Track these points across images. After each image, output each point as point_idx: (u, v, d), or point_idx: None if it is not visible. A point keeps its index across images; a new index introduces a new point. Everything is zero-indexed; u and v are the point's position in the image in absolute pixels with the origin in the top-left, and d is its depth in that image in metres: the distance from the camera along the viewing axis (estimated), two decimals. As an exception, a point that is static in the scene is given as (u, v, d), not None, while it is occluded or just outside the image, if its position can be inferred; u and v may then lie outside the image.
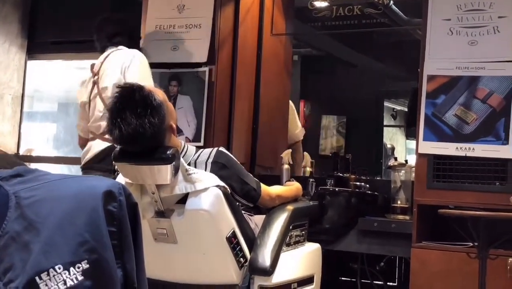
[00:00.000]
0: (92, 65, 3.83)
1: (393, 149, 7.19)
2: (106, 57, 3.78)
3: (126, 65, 3.65)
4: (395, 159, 4.57)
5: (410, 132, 8.41)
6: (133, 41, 3.97)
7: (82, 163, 3.74)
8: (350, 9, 4.58)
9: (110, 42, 3.86)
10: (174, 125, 2.57)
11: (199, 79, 4.34)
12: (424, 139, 3.65)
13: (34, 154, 5.46)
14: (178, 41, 4.39)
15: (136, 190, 2.58)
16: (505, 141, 3.47)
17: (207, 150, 2.72)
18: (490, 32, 3.57)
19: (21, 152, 5.38)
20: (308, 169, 4.73)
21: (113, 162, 2.58)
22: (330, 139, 7.62)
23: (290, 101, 5.13)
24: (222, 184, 2.56)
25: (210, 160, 2.65)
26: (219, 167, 2.64)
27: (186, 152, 2.67)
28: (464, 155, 3.55)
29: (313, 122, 7.26)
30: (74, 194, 1.32)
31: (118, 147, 2.52)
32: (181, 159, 2.53)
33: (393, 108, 8.33)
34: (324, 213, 3.88)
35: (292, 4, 5.05)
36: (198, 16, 4.37)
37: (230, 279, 2.66)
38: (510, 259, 3.37)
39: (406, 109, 8.50)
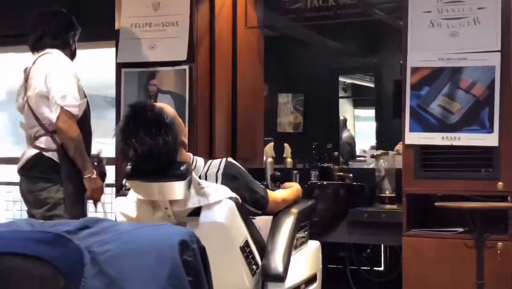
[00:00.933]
0: (25, 69, 3.72)
1: (345, 120, 7.37)
2: (34, 62, 3.67)
3: (47, 73, 3.54)
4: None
5: (358, 102, 8.73)
6: (59, 41, 3.73)
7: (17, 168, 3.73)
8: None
9: (36, 45, 3.73)
10: (185, 141, 2.58)
11: (179, 77, 4.31)
12: (410, 130, 3.73)
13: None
14: (155, 39, 4.35)
15: (148, 205, 2.58)
16: (490, 130, 3.57)
17: (216, 161, 2.73)
18: (470, 23, 3.65)
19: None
20: (289, 160, 4.79)
21: (125, 180, 2.57)
22: (288, 117, 7.72)
23: None
24: (234, 195, 2.58)
25: (220, 172, 2.67)
26: (229, 178, 2.66)
27: (195, 165, 2.68)
28: (450, 144, 3.65)
29: (270, 101, 7.32)
30: (151, 246, 1.33)
31: (129, 165, 2.51)
32: (193, 173, 2.53)
33: (344, 82, 8.50)
34: (314, 207, 3.93)
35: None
36: (174, 14, 4.33)
37: (243, 286, 2.69)
38: (500, 243, 3.49)
39: (356, 82, 8.75)
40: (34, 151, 3.57)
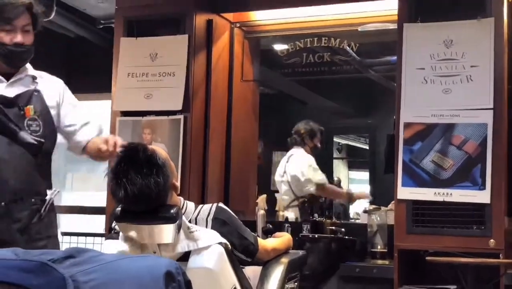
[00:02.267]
0: None
1: (339, 180, 7.38)
2: None
3: None
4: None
5: (351, 164, 8.77)
6: None
7: None
8: (320, 56, 4.68)
9: None
10: (177, 184, 2.57)
11: (173, 127, 4.34)
12: (403, 185, 3.73)
13: None
14: (151, 89, 4.39)
15: (137, 248, 2.55)
16: (482, 187, 3.58)
17: (207, 206, 2.71)
18: (463, 81, 3.69)
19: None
20: (281, 213, 4.77)
21: (114, 222, 2.55)
22: (281, 175, 7.72)
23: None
24: (224, 240, 2.56)
25: (211, 217, 2.65)
26: (220, 224, 2.64)
27: (186, 209, 2.66)
28: (442, 200, 3.65)
29: (264, 158, 7.35)
30: (135, 276, 1.31)
31: (118, 207, 2.49)
32: (183, 217, 2.52)
33: (339, 143, 8.57)
34: (305, 260, 3.90)
35: (259, 50, 5.14)
36: (171, 64, 4.38)
37: (230, 335, 2.64)
38: (490, 301, 3.45)
39: (350, 143, 8.82)
40: None
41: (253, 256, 2.78)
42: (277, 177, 5.36)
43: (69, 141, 3.03)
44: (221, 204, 2.75)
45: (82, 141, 2.99)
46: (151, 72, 4.42)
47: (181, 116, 4.31)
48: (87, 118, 3.04)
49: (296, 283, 3.06)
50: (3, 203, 2.72)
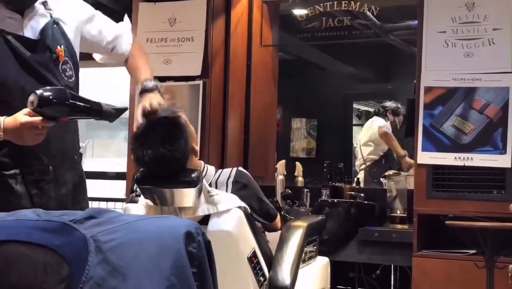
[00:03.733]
0: None
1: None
2: None
3: None
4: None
5: None
6: None
7: None
8: (340, 20, 4.63)
9: None
10: (196, 147, 2.58)
11: (192, 92, 4.33)
12: (423, 150, 3.71)
13: None
14: (170, 54, 4.38)
15: (156, 212, 2.57)
16: (503, 151, 3.55)
17: (227, 170, 2.73)
18: (485, 44, 3.64)
19: None
20: (301, 179, 4.78)
21: (136, 185, 2.57)
22: (301, 142, 7.72)
23: None
24: (243, 204, 2.57)
25: (231, 180, 2.66)
26: (239, 187, 2.65)
27: (206, 173, 2.67)
28: (462, 164, 3.63)
29: (283, 124, 7.35)
30: (155, 236, 1.32)
31: (140, 170, 2.50)
32: (204, 181, 2.53)
33: (358, 109, 8.52)
34: (324, 224, 3.91)
35: (278, 14, 5.09)
36: (190, 29, 4.37)
37: (250, 298, 2.67)
38: (511, 265, 3.44)
39: (370, 110, 8.78)
40: None
41: (273, 220, 2.80)
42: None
43: (109, 57, 2.70)
44: (241, 168, 2.76)
45: (125, 53, 2.65)
46: (170, 37, 4.41)
47: (200, 82, 4.31)
48: (116, 28, 2.67)
49: (315, 247, 3.08)
50: (50, 167, 2.37)
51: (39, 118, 2.11)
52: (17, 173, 2.29)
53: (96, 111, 2.25)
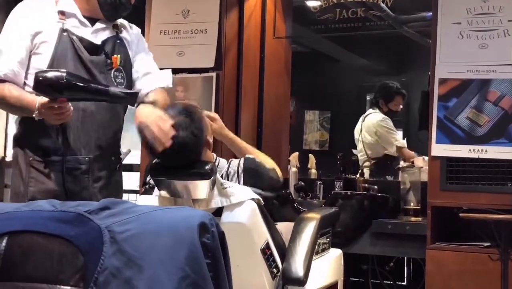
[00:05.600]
0: None
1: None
2: None
3: None
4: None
5: None
6: None
7: None
8: (354, 11, 4.61)
9: None
10: (210, 140, 2.58)
11: (206, 84, 4.34)
12: (437, 142, 3.70)
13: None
14: (183, 46, 4.38)
15: (170, 203, 2.58)
16: (518, 143, 3.53)
17: (236, 160, 2.74)
18: (500, 36, 3.62)
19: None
20: (314, 171, 4.77)
21: (149, 177, 2.58)
22: (314, 134, 7.71)
23: None
24: (256, 196, 2.58)
25: (241, 168, 2.67)
26: (249, 173, 2.66)
27: (218, 165, 2.68)
28: (477, 156, 3.61)
29: (296, 117, 7.33)
30: (170, 227, 1.33)
31: (153, 161, 2.51)
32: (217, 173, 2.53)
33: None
34: (337, 216, 3.91)
35: (292, 6, 5.08)
36: (203, 21, 4.36)
37: (263, 289, 2.67)
38: (526, 259, 3.43)
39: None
40: None
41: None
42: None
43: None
44: (247, 155, 2.77)
45: (140, 90, 2.66)
46: (183, 29, 4.41)
47: (214, 74, 4.31)
48: (153, 69, 2.82)
49: (328, 239, 3.08)
50: (87, 158, 2.52)
51: (46, 99, 2.29)
52: (57, 160, 2.48)
53: (100, 92, 2.35)
